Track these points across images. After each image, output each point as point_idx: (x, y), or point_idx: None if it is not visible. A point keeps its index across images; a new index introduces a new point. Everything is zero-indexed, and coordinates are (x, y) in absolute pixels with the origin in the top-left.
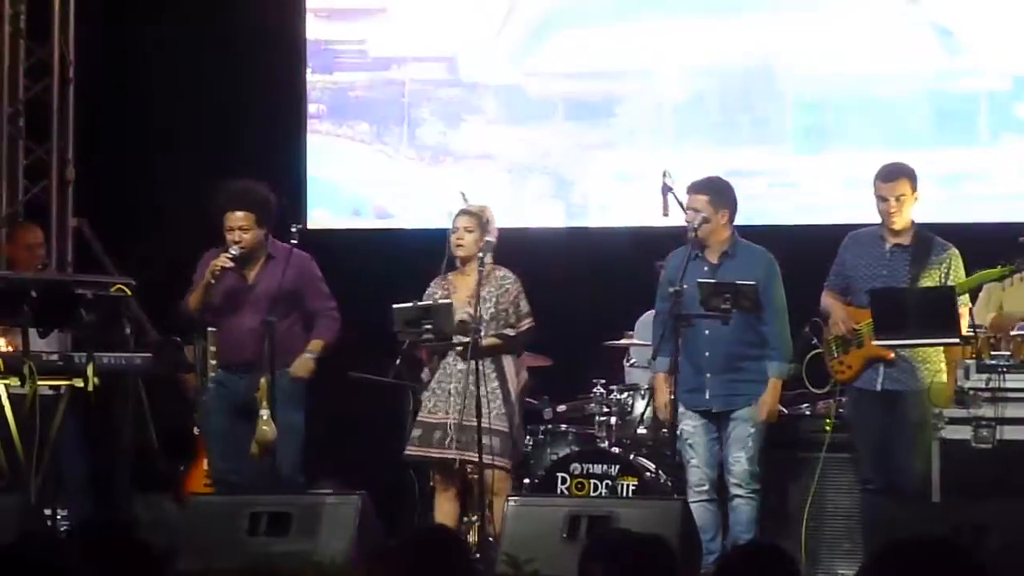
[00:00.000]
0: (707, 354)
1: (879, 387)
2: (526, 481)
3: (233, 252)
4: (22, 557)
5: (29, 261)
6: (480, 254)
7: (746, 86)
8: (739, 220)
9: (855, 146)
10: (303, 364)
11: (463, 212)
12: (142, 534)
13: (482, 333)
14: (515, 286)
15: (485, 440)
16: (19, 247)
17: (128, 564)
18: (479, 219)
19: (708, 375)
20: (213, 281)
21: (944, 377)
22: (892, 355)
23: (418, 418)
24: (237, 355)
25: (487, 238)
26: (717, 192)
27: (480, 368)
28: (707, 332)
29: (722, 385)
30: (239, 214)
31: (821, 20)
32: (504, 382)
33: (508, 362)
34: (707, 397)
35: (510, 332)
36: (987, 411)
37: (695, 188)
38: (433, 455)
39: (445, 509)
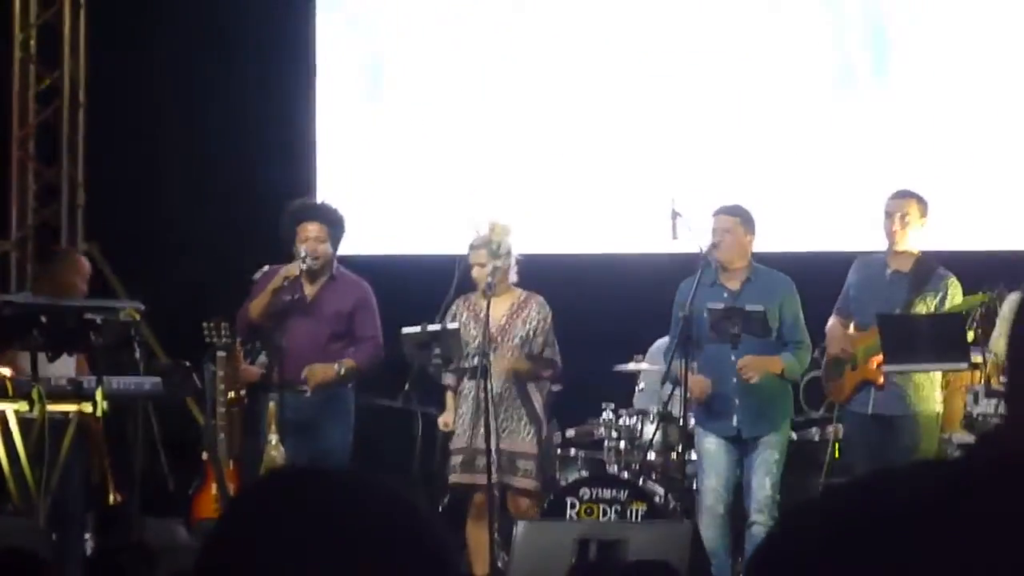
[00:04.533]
0: (734, 380)
1: (870, 410)
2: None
3: (308, 263)
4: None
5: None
6: (490, 279)
7: (753, 113)
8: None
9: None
10: (322, 370)
11: (474, 246)
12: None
13: (490, 357)
14: (549, 320)
15: (521, 463)
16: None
17: None
18: (488, 249)
19: (736, 400)
20: (284, 284)
21: (935, 406)
22: (882, 380)
23: (457, 445)
24: (293, 372)
25: (496, 263)
26: (745, 216)
27: (507, 391)
28: (733, 358)
29: (750, 410)
30: (314, 226)
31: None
32: (531, 403)
33: (532, 385)
34: (734, 423)
35: (555, 357)
36: None
37: (725, 210)
38: (479, 481)
39: (478, 535)
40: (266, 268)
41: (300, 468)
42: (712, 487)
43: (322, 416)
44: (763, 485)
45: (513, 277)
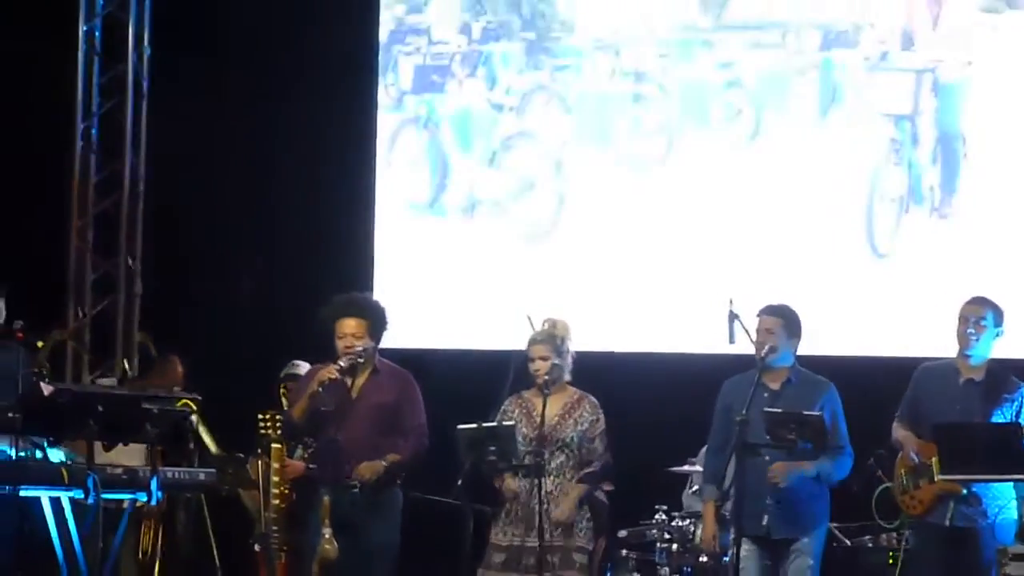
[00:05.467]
0: (768, 480)
1: (947, 522)
2: None
3: (342, 363)
4: None
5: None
6: (547, 376)
7: (805, 213)
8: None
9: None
10: (369, 466)
11: (535, 341)
12: None
13: (546, 455)
14: (602, 421)
15: (576, 557)
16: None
17: None
18: (552, 344)
19: (768, 501)
20: (320, 390)
21: (1013, 514)
22: (963, 490)
23: (500, 542)
24: (339, 469)
25: (557, 361)
26: (790, 319)
27: (559, 488)
28: (767, 458)
29: (782, 512)
30: (352, 321)
31: None
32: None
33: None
34: (764, 523)
35: (593, 469)
36: None
37: (769, 311)
38: None
39: None
40: (298, 363)
41: None
42: None
43: (370, 514)
44: None
45: (568, 376)
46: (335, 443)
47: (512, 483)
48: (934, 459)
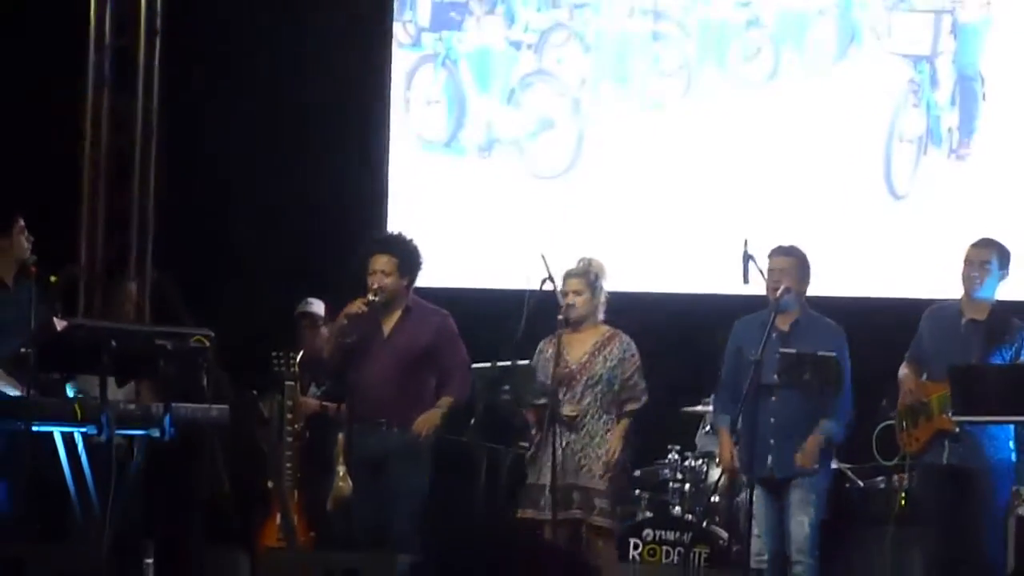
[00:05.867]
0: (772, 420)
1: (944, 461)
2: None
3: (371, 298)
4: None
5: (118, 317)
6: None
7: (819, 157)
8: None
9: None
10: (429, 418)
11: (571, 275)
12: None
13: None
14: (636, 357)
15: (597, 501)
16: (117, 301)
17: None
18: (587, 279)
19: (772, 441)
20: (345, 322)
21: (1011, 455)
22: (956, 429)
23: (540, 482)
24: (370, 408)
25: (599, 297)
26: (802, 260)
27: (584, 427)
28: (773, 399)
29: (786, 451)
30: (383, 258)
31: None
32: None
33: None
34: (769, 463)
35: (636, 406)
36: None
37: (781, 251)
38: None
39: None
40: (312, 300)
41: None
42: (756, 534)
43: (401, 453)
44: (801, 524)
45: (601, 316)
46: (364, 381)
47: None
48: (933, 397)
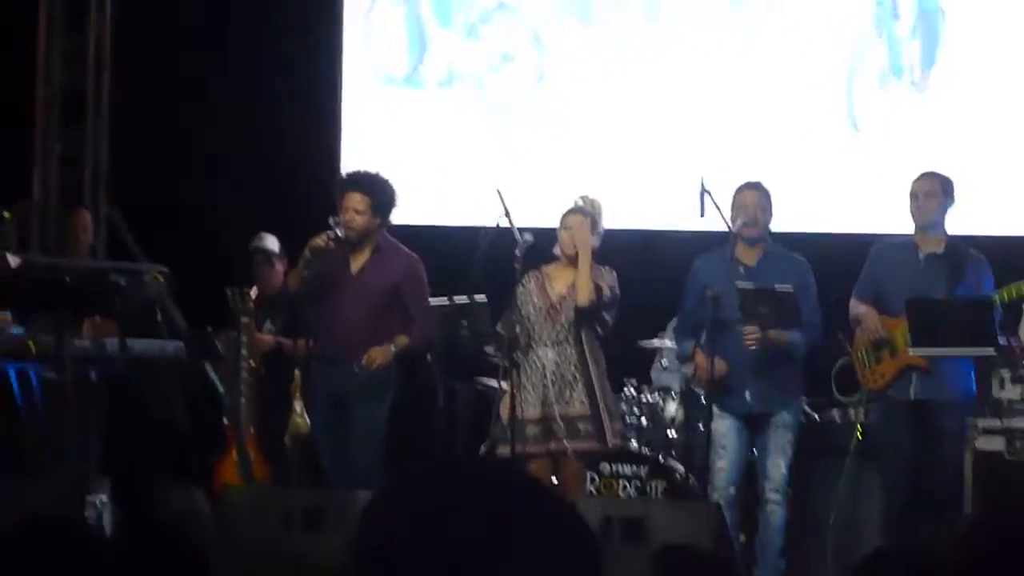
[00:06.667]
0: (749, 354)
1: (912, 396)
2: (554, 479)
3: (337, 232)
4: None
5: (75, 245)
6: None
7: (778, 91)
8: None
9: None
10: (380, 351)
11: (576, 211)
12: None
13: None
14: (614, 278)
15: (580, 426)
16: (67, 230)
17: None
18: (592, 217)
19: (750, 376)
20: (308, 255)
21: (973, 387)
22: (926, 364)
23: (528, 416)
24: (334, 345)
25: (596, 235)
26: (767, 194)
27: (563, 359)
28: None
29: (762, 386)
30: (356, 195)
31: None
32: (587, 370)
33: (589, 348)
34: (747, 399)
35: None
36: (1022, 423)
37: (748, 186)
38: (533, 451)
39: None
40: (265, 235)
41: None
42: (722, 467)
43: (364, 390)
44: (778, 465)
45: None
46: (330, 318)
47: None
48: (896, 332)
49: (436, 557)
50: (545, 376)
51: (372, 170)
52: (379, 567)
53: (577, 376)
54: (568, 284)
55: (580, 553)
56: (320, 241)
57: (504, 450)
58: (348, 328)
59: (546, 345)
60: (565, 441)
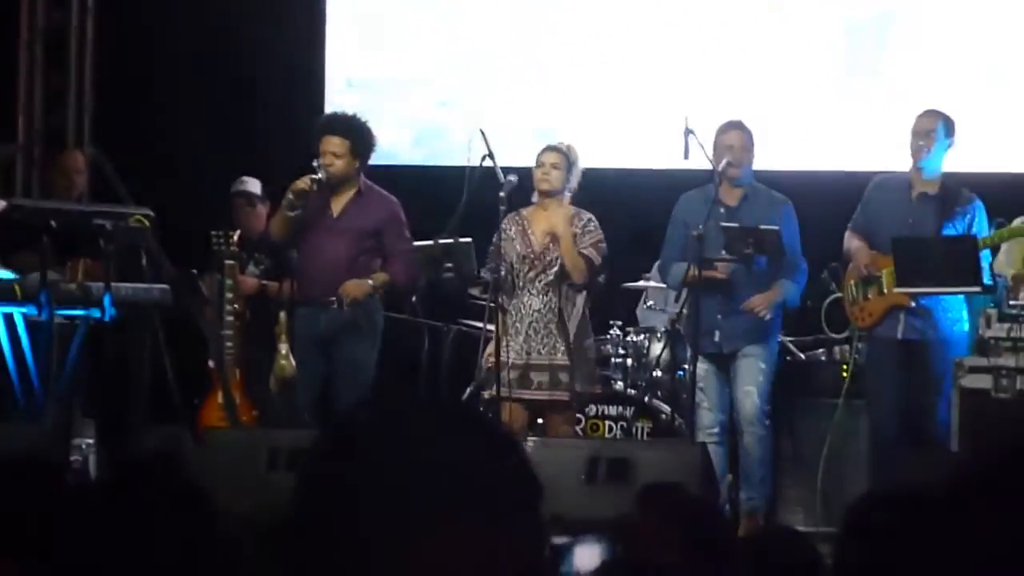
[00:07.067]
0: (720, 296)
1: (899, 335)
2: (540, 421)
3: (318, 176)
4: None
5: (68, 187)
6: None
7: (765, 31)
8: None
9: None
10: (356, 285)
11: (551, 148)
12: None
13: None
14: (598, 232)
15: (563, 376)
16: (60, 172)
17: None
18: (567, 157)
19: (719, 316)
20: (291, 197)
21: (965, 327)
22: (912, 303)
23: (512, 361)
24: (317, 288)
25: (573, 177)
26: (750, 133)
27: (546, 306)
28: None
29: (732, 326)
30: (335, 139)
31: None
32: (562, 318)
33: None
34: (716, 339)
35: (592, 256)
36: (1008, 361)
37: (732, 125)
38: (537, 396)
39: None
40: (247, 179)
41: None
42: (706, 408)
43: (347, 332)
44: (749, 394)
45: (567, 197)
46: (312, 260)
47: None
48: (885, 271)
49: (375, 508)
50: (528, 324)
51: (351, 112)
52: (318, 519)
53: (558, 325)
54: (547, 229)
55: (518, 492)
56: (303, 184)
57: (488, 394)
58: (331, 270)
59: (531, 293)
60: (545, 391)
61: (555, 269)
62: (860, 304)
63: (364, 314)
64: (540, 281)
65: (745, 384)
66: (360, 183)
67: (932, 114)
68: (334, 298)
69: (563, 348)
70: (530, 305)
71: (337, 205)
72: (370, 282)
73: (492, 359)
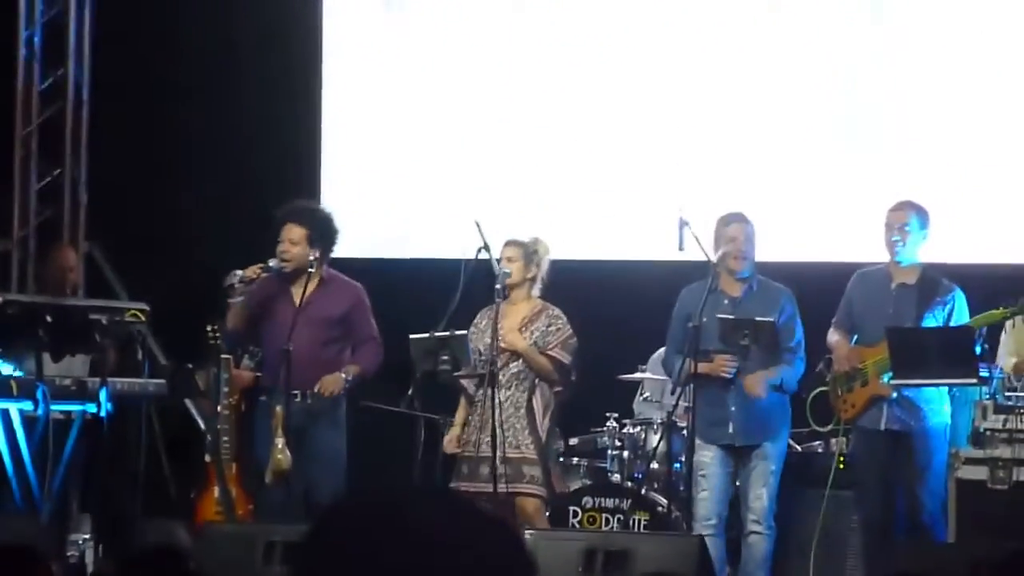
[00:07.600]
0: (732, 387)
1: (882, 426)
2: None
3: (270, 263)
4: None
5: (61, 283)
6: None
7: (759, 124)
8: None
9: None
10: (333, 380)
11: (510, 243)
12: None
13: (498, 364)
14: (567, 329)
15: (527, 470)
16: (53, 268)
17: None
18: (525, 250)
19: (732, 408)
20: (238, 284)
21: (946, 419)
22: (894, 393)
23: (466, 452)
24: (286, 379)
25: (534, 270)
26: (751, 226)
27: (512, 399)
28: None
29: (746, 419)
30: (295, 227)
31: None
32: (532, 412)
33: (538, 393)
34: (730, 431)
35: (560, 357)
36: (1004, 452)
37: (735, 218)
38: (484, 490)
39: None
40: (237, 273)
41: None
42: (704, 498)
43: (314, 422)
44: (760, 496)
45: (536, 291)
46: (279, 352)
47: (455, 432)
48: (868, 362)
49: None
50: (496, 416)
51: (312, 203)
52: None
53: (524, 421)
54: (516, 324)
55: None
56: (249, 272)
57: (465, 487)
58: (298, 359)
59: (500, 386)
60: (512, 485)
61: (518, 362)
62: (844, 396)
63: (331, 403)
64: (503, 375)
65: (758, 486)
66: (324, 272)
67: (905, 206)
68: (297, 392)
69: (527, 443)
70: (499, 396)
71: (300, 294)
72: (343, 375)
73: (459, 446)
